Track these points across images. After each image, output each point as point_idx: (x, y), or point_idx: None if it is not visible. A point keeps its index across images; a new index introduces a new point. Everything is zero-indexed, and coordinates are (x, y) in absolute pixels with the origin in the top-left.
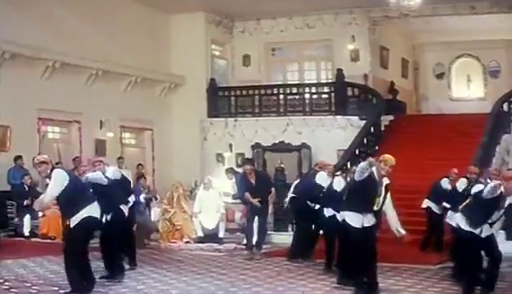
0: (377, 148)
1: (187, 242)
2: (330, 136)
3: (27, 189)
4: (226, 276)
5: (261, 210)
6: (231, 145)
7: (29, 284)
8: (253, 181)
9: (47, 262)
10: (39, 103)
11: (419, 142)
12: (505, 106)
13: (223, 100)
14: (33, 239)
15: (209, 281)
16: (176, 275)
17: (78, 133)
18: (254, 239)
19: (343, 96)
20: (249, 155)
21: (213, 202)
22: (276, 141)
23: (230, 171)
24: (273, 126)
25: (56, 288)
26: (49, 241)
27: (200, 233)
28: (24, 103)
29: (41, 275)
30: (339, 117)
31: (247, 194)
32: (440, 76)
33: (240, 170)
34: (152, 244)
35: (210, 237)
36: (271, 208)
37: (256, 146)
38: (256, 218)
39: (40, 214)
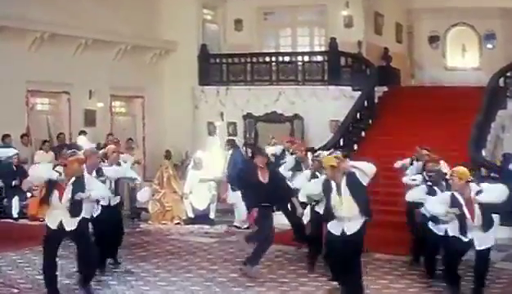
0: (370, 122)
1: (177, 223)
2: (322, 107)
3: (15, 168)
4: (216, 274)
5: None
6: (222, 114)
7: (16, 290)
8: (263, 179)
9: (35, 257)
10: (27, 75)
11: (413, 117)
12: (501, 81)
13: (215, 68)
14: (21, 221)
15: (200, 282)
16: (165, 273)
17: (67, 104)
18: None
19: (336, 66)
20: (240, 125)
21: (204, 182)
22: (268, 111)
23: (230, 142)
24: (265, 96)
25: None
26: (38, 223)
27: (191, 214)
28: (12, 76)
29: (29, 278)
30: (331, 87)
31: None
32: (434, 44)
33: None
34: (142, 226)
35: (201, 218)
36: None
37: (248, 116)
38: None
39: (28, 195)
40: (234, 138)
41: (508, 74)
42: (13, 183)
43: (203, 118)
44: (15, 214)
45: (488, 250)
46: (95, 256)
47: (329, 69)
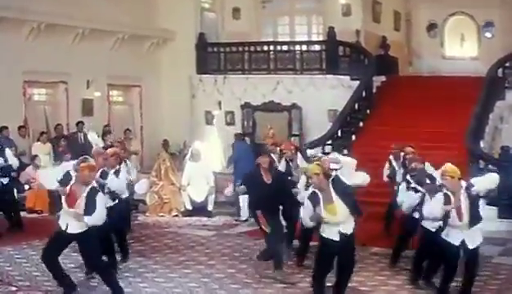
0: (368, 112)
1: (175, 215)
2: (320, 96)
3: None
4: (214, 269)
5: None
6: (220, 103)
7: (14, 289)
8: (266, 180)
9: (33, 252)
10: (25, 65)
11: (411, 107)
12: (500, 72)
13: (212, 56)
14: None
15: (197, 278)
16: (163, 269)
17: (64, 94)
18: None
19: (334, 55)
20: (238, 114)
21: (202, 174)
22: (266, 101)
23: (238, 136)
24: (263, 85)
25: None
26: (36, 215)
27: (189, 206)
28: (10, 67)
29: (27, 275)
30: (329, 76)
31: (259, 212)
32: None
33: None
34: (140, 219)
35: (199, 210)
36: None
37: (245, 106)
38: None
39: (26, 187)
40: (241, 132)
41: (507, 65)
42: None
43: (200, 107)
44: None
45: (478, 248)
46: (98, 265)
47: (327, 58)
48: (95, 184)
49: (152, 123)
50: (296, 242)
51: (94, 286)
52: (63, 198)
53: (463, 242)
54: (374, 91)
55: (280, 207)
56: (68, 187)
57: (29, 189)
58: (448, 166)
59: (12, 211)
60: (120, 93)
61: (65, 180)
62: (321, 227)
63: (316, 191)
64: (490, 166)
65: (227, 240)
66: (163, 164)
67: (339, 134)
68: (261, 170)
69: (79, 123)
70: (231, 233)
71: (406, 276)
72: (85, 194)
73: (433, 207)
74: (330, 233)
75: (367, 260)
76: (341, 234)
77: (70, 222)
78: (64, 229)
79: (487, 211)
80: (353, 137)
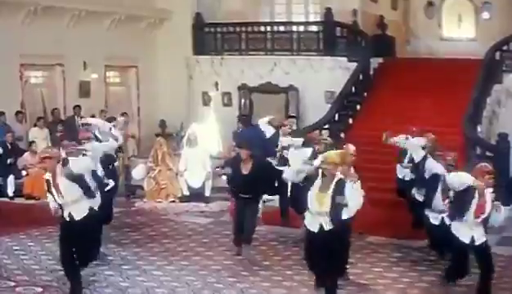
0: (365, 94)
1: (172, 201)
2: (317, 77)
3: (9, 147)
4: (211, 261)
5: (249, 203)
6: (217, 84)
7: (12, 284)
8: (245, 171)
9: (31, 243)
10: (21, 49)
11: (408, 90)
12: (497, 55)
13: (209, 37)
14: (17, 200)
15: (195, 270)
16: (160, 261)
17: (61, 76)
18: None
19: (331, 37)
20: (235, 95)
21: (199, 160)
22: (263, 82)
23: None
24: (260, 66)
25: (41, 289)
26: (33, 201)
27: (186, 192)
28: (6, 50)
29: (25, 268)
30: (327, 58)
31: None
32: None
33: None
34: (137, 205)
35: (196, 196)
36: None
37: (243, 87)
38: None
39: (24, 173)
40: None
41: (504, 48)
42: (8, 161)
43: (197, 88)
44: (10, 193)
45: (485, 242)
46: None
47: (324, 39)
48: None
49: (149, 104)
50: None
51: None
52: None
53: (472, 238)
54: (371, 72)
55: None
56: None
57: (27, 175)
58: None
59: None
60: (117, 74)
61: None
62: (306, 215)
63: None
64: (487, 152)
65: (225, 228)
66: (160, 149)
67: (336, 118)
68: (239, 161)
69: (76, 107)
70: (228, 221)
71: (403, 268)
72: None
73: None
74: (311, 223)
75: (364, 250)
76: (320, 227)
77: (73, 210)
78: (69, 219)
79: None
80: (350, 121)
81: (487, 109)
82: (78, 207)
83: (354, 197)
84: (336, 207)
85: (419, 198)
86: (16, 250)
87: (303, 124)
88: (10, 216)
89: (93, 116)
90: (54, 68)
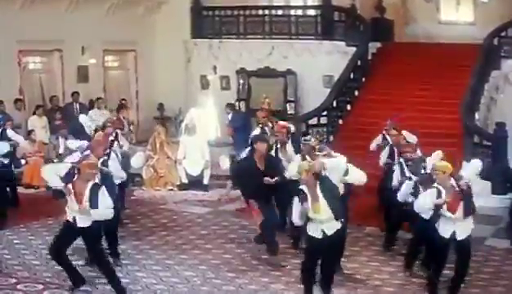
0: (363, 80)
1: (171, 189)
2: (315, 62)
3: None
4: (210, 255)
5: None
6: (215, 67)
7: (13, 281)
8: (261, 167)
9: (31, 236)
10: (19, 35)
11: (406, 76)
12: (496, 41)
13: (207, 20)
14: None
15: (194, 265)
16: (160, 255)
17: (59, 62)
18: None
19: (329, 21)
20: (233, 79)
21: (198, 148)
22: (262, 66)
23: (229, 106)
24: (258, 49)
25: (42, 287)
26: (33, 191)
27: (185, 180)
28: (4, 36)
29: (26, 264)
30: (325, 42)
31: (252, 203)
32: None
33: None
34: (136, 194)
35: (195, 184)
36: None
37: (241, 71)
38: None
39: (23, 162)
40: (233, 102)
41: (502, 34)
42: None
43: (196, 72)
44: None
45: (468, 238)
46: (102, 260)
47: (322, 23)
48: (97, 181)
49: (147, 88)
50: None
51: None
52: (72, 197)
53: (453, 233)
54: (369, 58)
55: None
56: (71, 185)
57: (26, 163)
58: (439, 162)
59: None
60: (115, 58)
61: (68, 178)
62: (307, 224)
63: (304, 188)
64: (484, 141)
65: (223, 218)
66: (158, 138)
67: (335, 104)
68: (255, 157)
69: (74, 94)
70: (227, 210)
71: (400, 262)
72: (88, 192)
73: (425, 201)
74: (314, 230)
75: (361, 242)
76: (323, 233)
77: (78, 216)
78: (72, 221)
79: (480, 185)
80: (348, 107)
81: (484, 95)
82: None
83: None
84: (334, 204)
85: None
86: (17, 244)
87: (302, 108)
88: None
89: (91, 102)
90: (52, 53)
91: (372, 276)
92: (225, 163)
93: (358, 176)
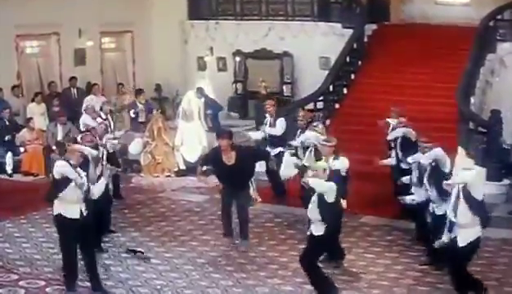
0: (360, 63)
1: (168, 176)
2: (311, 43)
3: (7, 123)
4: (208, 247)
5: (239, 193)
6: (211, 49)
7: (15, 277)
8: (228, 162)
9: (32, 228)
10: (16, 19)
11: (402, 59)
12: (491, 24)
13: (204, 2)
14: (15, 176)
15: (192, 258)
16: (159, 247)
17: (57, 45)
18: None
19: (325, 2)
20: (230, 61)
21: (195, 134)
22: (258, 48)
23: (199, 91)
24: (254, 31)
25: (44, 283)
26: (32, 178)
27: (182, 166)
28: (1, 22)
29: (27, 258)
30: (321, 23)
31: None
32: None
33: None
34: (134, 181)
35: (192, 170)
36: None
37: (237, 53)
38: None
39: (22, 149)
40: (201, 86)
41: (498, 17)
42: (6, 138)
43: (192, 53)
44: (9, 170)
45: (467, 247)
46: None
47: (318, 4)
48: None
49: (144, 69)
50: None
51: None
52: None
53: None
54: (365, 40)
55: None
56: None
57: (25, 151)
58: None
59: None
60: (112, 40)
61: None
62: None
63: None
64: (479, 128)
65: (219, 208)
66: (156, 124)
67: (331, 88)
68: (220, 152)
69: (72, 79)
70: None
71: (396, 253)
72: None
73: None
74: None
75: (357, 232)
76: (311, 233)
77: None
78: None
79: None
80: (345, 91)
81: (480, 79)
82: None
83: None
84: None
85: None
86: (17, 236)
87: (298, 90)
88: (9, 196)
89: (89, 84)
90: (49, 37)
91: (367, 269)
92: None
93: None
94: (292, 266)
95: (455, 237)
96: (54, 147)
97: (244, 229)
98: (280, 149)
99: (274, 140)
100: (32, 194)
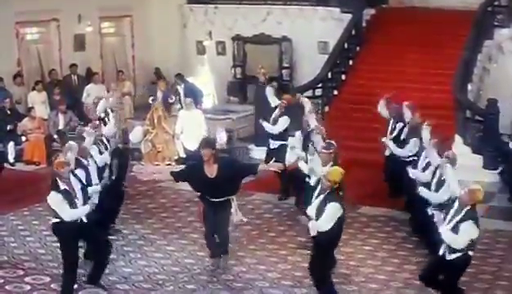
0: (358, 48)
1: (168, 164)
2: (310, 28)
3: (9, 112)
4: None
5: (220, 206)
6: (210, 33)
7: (21, 272)
8: (210, 174)
9: (35, 221)
10: (16, 6)
11: (401, 45)
12: (489, 10)
13: None
14: (17, 165)
15: (193, 251)
16: (161, 240)
17: (56, 31)
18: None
19: None
20: (229, 45)
21: (196, 122)
22: (257, 32)
23: (179, 77)
24: (253, 15)
25: (49, 279)
26: (34, 167)
27: (182, 155)
28: (1, 9)
29: (32, 253)
30: (319, 8)
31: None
32: None
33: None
34: (135, 169)
35: (192, 157)
36: None
37: (236, 38)
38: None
39: (23, 138)
40: (180, 72)
41: (495, 3)
42: (8, 127)
43: (191, 37)
44: (11, 159)
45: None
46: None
47: None
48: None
49: (144, 53)
50: None
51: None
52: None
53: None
54: (364, 25)
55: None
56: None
57: (26, 140)
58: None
59: None
60: (112, 24)
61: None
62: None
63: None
64: (476, 116)
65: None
66: (156, 113)
67: (329, 75)
68: (202, 163)
69: (73, 66)
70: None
71: (393, 245)
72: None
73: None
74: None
75: (356, 224)
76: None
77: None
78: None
79: (472, 159)
80: (343, 77)
81: (477, 65)
82: None
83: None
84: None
85: None
86: (21, 230)
87: (297, 75)
88: (11, 186)
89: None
90: (49, 23)
91: (365, 262)
92: (222, 137)
93: None
94: (291, 260)
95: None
96: (55, 136)
97: (224, 244)
98: (281, 142)
99: (274, 135)
100: (34, 184)
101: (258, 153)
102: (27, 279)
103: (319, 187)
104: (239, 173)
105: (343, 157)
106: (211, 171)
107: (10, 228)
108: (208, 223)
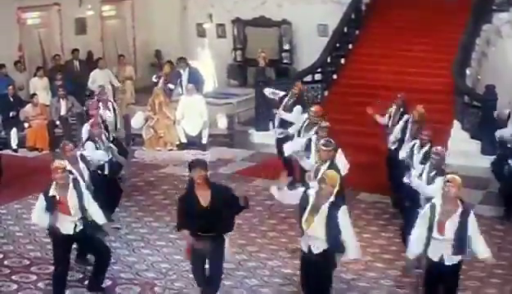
0: (357, 32)
1: (170, 149)
2: (310, 10)
3: (11, 99)
4: None
5: (212, 250)
6: (210, 16)
7: (27, 262)
8: (203, 203)
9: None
10: None
11: (400, 29)
12: None
13: None
14: (20, 152)
15: None
16: (163, 228)
17: (57, 15)
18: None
19: None
20: (229, 28)
21: (197, 108)
22: (257, 16)
23: (182, 60)
24: None
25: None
26: (37, 153)
27: (184, 140)
28: None
29: (37, 242)
30: None
31: (185, 233)
32: None
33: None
34: (137, 155)
35: (193, 143)
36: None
37: (236, 21)
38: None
39: (26, 125)
40: (183, 56)
41: None
42: (10, 114)
43: (192, 20)
44: (14, 145)
45: (457, 264)
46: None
47: None
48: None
49: (144, 35)
50: None
51: None
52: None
53: (441, 257)
54: (363, 8)
55: None
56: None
57: (29, 127)
58: (457, 177)
59: None
60: (112, 7)
61: (50, 205)
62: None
63: (312, 193)
64: (474, 102)
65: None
66: (157, 98)
67: (329, 60)
68: (195, 188)
69: (74, 51)
70: (226, 173)
71: (391, 233)
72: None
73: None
74: (303, 242)
75: (355, 211)
76: (308, 249)
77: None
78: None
79: (470, 145)
80: (342, 61)
81: (476, 50)
82: None
83: (347, 229)
84: (332, 233)
85: None
86: (26, 218)
87: (297, 58)
88: (15, 172)
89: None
90: (50, 7)
91: (364, 250)
92: (222, 123)
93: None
94: (291, 247)
95: None
96: (58, 122)
97: (215, 282)
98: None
99: (284, 122)
100: (37, 171)
101: (258, 137)
102: (33, 269)
103: (311, 201)
104: (230, 203)
105: (342, 141)
106: (205, 198)
107: (15, 217)
108: (198, 270)
